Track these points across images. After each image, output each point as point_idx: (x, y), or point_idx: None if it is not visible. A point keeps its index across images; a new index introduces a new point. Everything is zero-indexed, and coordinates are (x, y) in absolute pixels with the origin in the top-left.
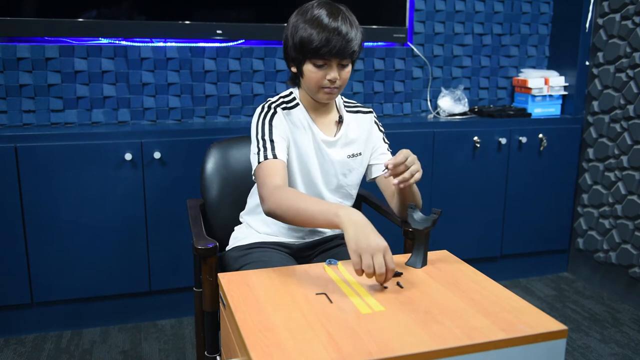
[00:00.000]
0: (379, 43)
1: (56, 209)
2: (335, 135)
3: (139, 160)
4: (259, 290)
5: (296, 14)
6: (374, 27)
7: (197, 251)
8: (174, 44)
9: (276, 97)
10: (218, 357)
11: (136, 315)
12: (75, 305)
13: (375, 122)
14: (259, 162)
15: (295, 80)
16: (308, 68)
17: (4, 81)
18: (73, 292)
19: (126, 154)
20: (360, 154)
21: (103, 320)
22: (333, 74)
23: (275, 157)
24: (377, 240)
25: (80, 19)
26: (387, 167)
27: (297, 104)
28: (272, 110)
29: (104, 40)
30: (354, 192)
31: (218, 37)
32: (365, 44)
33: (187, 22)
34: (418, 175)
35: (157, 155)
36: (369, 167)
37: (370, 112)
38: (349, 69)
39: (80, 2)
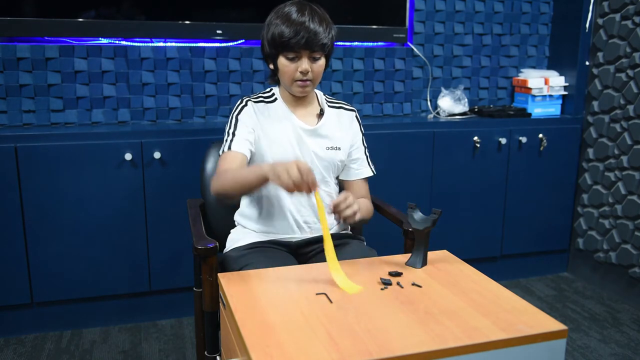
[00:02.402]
0: (379, 43)
1: (56, 209)
2: (316, 125)
3: (139, 160)
4: (259, 290)
5: (271, 13)
6: (374, 27)
7: (197, 251)
8: (174, 44)
9: (256, 94)
10: (218, 357)
11: (136, 315)
12: (75, 305)
13: (358, 121)
14: (219, 155)
15: (274, 77)
16: (281, 62)
17: (4, 81)
18: (73, 292)
19: (126, 154)
20: (339, 148)
21: (103, 320)
22: (304, 65)
23: (230, 148)
24: (288, 162)
25: (80, 19)
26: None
27: (276, 99)
28: (242, 104)
29: (104, 40)
30: (332, 183)
31: (218, 37)
32: (365, 44)
33: (187, 22)
34: (357, 216)
35: (157, 155)
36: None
37: (352, 110)
38: (321, 62)
39: (80, 2)
